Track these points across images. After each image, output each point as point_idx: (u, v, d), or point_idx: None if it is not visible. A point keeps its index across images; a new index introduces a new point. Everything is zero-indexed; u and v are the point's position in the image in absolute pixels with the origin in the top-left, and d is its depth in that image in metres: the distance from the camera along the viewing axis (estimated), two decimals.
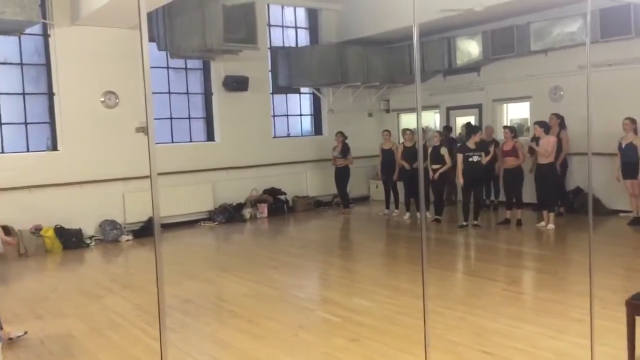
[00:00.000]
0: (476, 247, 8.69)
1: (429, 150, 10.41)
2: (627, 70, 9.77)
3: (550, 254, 7.90)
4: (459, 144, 10.24)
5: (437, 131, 11.30)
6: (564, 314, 5.13)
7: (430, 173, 10.23)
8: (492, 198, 11.39)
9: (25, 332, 5.21)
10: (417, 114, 2.70)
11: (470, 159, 9.46)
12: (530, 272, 7.15)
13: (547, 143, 9.08)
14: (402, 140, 11.60)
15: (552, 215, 9.21)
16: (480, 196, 9.99)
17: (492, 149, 10.06)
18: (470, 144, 9.54)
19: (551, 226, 9.10)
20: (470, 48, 11.96)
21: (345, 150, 11.93)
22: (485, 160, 9.60)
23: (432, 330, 4.69)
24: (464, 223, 9.66)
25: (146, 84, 2.05)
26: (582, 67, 8.19)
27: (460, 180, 9.61)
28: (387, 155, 11.54)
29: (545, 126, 9.32)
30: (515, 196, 9.68)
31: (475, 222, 9.62)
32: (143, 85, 2.12)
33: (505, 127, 10.28)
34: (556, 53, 10.61)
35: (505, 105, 12.47)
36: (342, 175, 12.01)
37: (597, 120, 8.44)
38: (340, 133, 12.00)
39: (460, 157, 9.57)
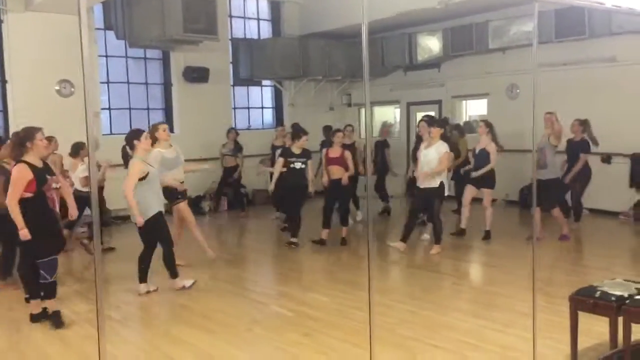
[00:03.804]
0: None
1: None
2: (581, 70, 10.01)
3: (499, 248, 8.00)
4: (281, 149, 8.91)
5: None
6: (510, 308, 5.26)
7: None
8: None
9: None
10: (365, 114, 2.72)
11: (292, 165, 8.04)
12: (480, 266, 7.30)
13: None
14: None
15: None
16: (297, 211, 8.25)
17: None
18: (295, 148, 8.15)
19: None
20: (430, 44, 12.08)
21: (237, 149, 11.17)
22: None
23: (384, 325, 4.77)
24: (294, 240, 8.09)
25: (86, 77, 2.01)
26: (539, 65, 8.29)
27: (270, 188, 8.35)
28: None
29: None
30: (341, 212, 8.35)
31: (293, 241, 8.12)
32: (84, 76, 2.08)
33: (336, 130, 8.69)
34: (513, 51, 10.78)
35: (464, 101, 12.67)
36: (229, 175, 11.21)
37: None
38: (233, 129, 11.22)
39: (280, 161, 8.15)
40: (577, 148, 8.62)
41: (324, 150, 8.50)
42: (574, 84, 10.03)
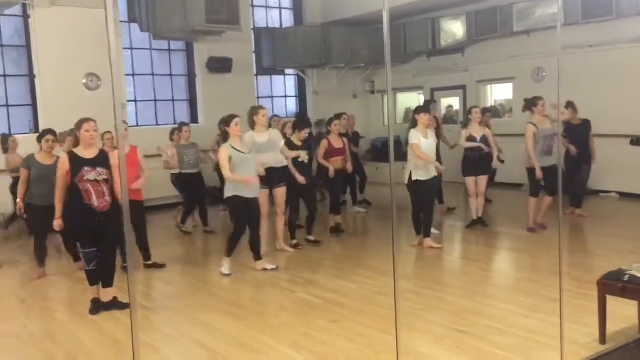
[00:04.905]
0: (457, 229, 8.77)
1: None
2: (608, 52, 9.82)
3: (524, 233, 7.91)
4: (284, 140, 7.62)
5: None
6: (537, 293, 5.24)
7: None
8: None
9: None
10: (388, 101, 2.73)
11: (300, 159, 7.40)
12: (506, 251, 7.27)
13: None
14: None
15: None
16: (314, 205, 7.85)
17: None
18: (296, 140, 7.54)
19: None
20: (454, 29, 11.96)
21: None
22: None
23: (410, 311, 4.80)
24: (311, 237, 7.81)
25: (113, 71, 2.06)
26: (565, 48, 8.02)
27: (301, 179, 7.39)
28: None
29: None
30: (337, 200, 8.42)
31: (311, 239, 7.85)
32: (112, 69, 2.12)
33: (334, 118, 8.52)
34: (539, 34, 10.61)
35: (489, 86, 12.53)
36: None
37: (580, 102, 8.46)
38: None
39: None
40: (582, 129, 8.31)
41: (324, 141, 8.17)
42: (601, 66, 9.84)
